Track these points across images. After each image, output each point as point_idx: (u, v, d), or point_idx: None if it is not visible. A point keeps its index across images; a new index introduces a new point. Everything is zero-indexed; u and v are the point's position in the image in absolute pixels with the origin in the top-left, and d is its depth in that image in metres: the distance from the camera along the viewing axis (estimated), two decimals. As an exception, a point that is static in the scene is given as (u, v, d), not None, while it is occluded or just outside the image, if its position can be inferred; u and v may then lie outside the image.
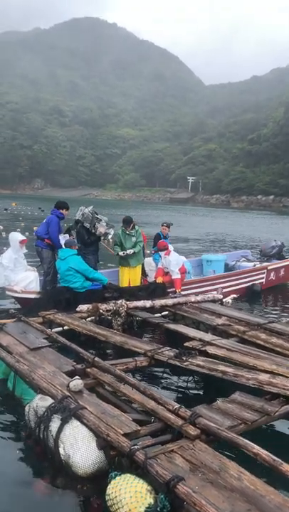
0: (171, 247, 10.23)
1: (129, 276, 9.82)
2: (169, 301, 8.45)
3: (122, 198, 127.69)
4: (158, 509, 3.15)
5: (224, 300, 9.22)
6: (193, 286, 10.18)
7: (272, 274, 12.64)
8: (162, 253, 9.76)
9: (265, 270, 12.40)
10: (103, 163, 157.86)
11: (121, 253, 9.65)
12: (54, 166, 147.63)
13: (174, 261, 9.60)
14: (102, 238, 9.65)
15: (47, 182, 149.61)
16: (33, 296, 8.37)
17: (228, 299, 9.46)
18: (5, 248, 9.38)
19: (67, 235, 9.21)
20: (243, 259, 13.57)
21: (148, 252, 10.70)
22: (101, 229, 9.22)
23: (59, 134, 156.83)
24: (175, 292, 9.39)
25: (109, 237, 9.54)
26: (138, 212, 52.52)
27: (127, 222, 9.79)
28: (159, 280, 9.65)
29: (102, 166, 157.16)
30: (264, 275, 12.34)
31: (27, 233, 17.78)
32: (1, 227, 24.56)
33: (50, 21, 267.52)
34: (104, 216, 9.78)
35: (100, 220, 9.34)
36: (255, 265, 12.81)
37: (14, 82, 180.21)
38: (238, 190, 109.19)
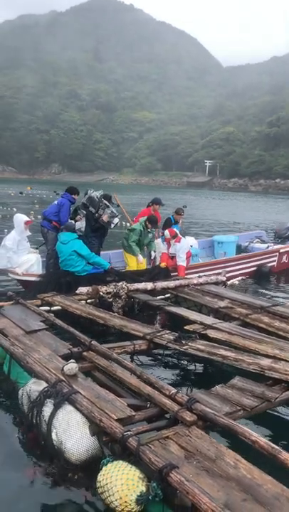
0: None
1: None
2: (171, 284, 8.33)
3: (139, 182, 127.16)
4: (150, 497, 3.08)
5: (230, 282, 9.06)
6: (199, 269, 10.03)
7: (284, 257, 12.39)
8: (172, 240, 9.70)
9: (277, 253, 12.16)
10: (120, 147, 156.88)
11: (140, 261, 9.56)
12: (71, 151, 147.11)
13: (183, 248, 9.61)
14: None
15: (64, 167, 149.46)
16: (34, 278, 8.35)
17: (235, 281, 9.30)
18: (6, 231, 9.35)
19: (72, 222, 9.10)
20: (257, 240, 13.34)
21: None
22: (104, 217, 9.04)
23: (76, 118, 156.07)
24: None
25: (112, 226, 9.38)
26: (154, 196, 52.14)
27: (154, 222, 9.63)
28: (163, 265, 9.57)
29: (119, 150, 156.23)
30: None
31: (39, 216, 17.72)
32: (15, 210, 24.55)
33: (66, 3, 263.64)
34: (113, 205, 9.61)
35: (108, 206, 9.17)
36: (268, 246, 12.59)
37: (30, 65, 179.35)
38: (256, 173, 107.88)
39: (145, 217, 9.74)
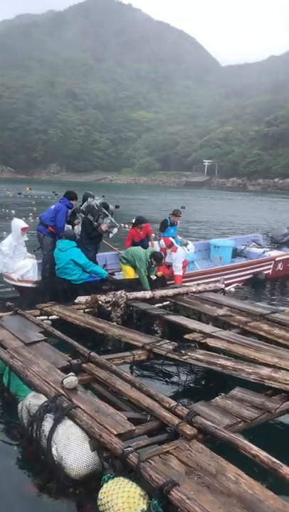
0: (176, 240, 10.22)
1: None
2: (170, 292, 8.31)
3: (137, 182, 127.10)
4: (151, 516, 3.04)
5: (226, 289, 9.05)
6: (195, 278, 10.02)
7: (279, 265, 12.43)
8: (168, 250, 9.72)
9: (273, 261, 12.20)
10: (118, 147, 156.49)
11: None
12: (69, 151, 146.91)
13: (179, 257, 9.56)
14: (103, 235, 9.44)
15: (62, 167, 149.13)
16: (30, 285, 8.32)
17: (231, 288, 9.30)
18: (5, 233, 9.32)
19: (70, 226, 9.05)
20: (253, 243, 13.36)
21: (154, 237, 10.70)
22: (103, 226, 8.96)
23: (74, 118, 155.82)
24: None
25: (110, 235, 9.32)
26: (152, 197, 52.13)
27: (159, 260, 9.12)
28: (159, 274, 9.53)
29: (117, 149, 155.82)
30: (271, 266, 12.13)
31: (37, 218, 17.70)
32: (13, 212, 24.58)
33: (65, 3, 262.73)
34: (112, 211, 9.48)
35: (107, 215, 9.06)
36: (264, 251, 12.62)
37: (29, 65, 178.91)
38: (254, 173, 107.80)
39: (151, 250, 9.32)
